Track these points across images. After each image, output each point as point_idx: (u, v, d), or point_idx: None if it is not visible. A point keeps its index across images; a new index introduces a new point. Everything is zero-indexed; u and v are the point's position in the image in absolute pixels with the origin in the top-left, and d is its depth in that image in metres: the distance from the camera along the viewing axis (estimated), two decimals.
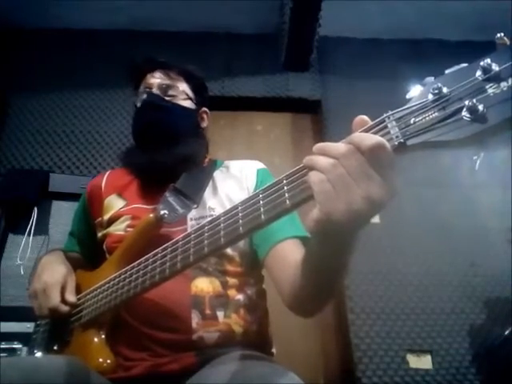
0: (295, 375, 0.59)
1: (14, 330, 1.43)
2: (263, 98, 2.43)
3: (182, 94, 0.99)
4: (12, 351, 1.42)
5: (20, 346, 1.44)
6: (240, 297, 0.81)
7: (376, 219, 2.12)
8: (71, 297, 0.77)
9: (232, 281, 0.81)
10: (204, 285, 0.78)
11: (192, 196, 0.85)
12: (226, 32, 2.56)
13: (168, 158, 0.89)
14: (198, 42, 2.45)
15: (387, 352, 1.82)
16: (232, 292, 0.80)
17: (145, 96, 0.96)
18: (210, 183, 0.92)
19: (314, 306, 0.69)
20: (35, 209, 1.67)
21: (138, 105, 0.97)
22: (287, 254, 0.75)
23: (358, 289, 1.93)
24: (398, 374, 1.77)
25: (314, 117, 2.50)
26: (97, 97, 2.36)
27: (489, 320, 1.90)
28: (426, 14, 2.47)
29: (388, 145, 0.42)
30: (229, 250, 0.82)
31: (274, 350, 0.86)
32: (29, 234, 1.62)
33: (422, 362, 1.82)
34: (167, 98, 0.96)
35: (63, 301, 0.76)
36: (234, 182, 0.92)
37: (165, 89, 0.97)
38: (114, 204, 0.92)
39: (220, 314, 0.76)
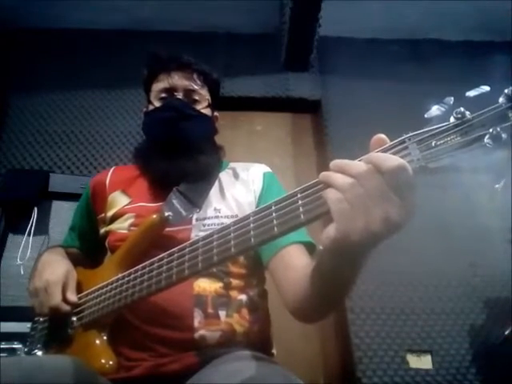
0: (295, 376, 0.59)
1: (14, 329, 1.43)
2: (263, 98, 2.43)
3: (205, 100, 0.97)
4: (12, 351, 1.42)
5: (20, 346, 1.43)
6: (242, 297, 0.81)
7: None
8: (72, 296, 0.77)
9: (235, 281, 0.81)
10: (206, 285, 0.78)
11: (196, 199, 0.85)
12: (226, 32, 2.56)
13: (188, 166, 0.88)
14: (197, 42, 2.45)
15: (387, 352, 1.82)
16: (234, 292, 0.80)
17: (171, 101, 0.92)
18: (217, 184, 0.92)
19: (317, 315, 0.70)
20: (35, 209, 1.66)
21: (158, 105, 0.94)
22: (292, 259, 0.76)
23: (358, 289, 1.93)
24: (398, 374, 1.77)
25: (314, 117, 2.50)
26: (97, 97, 2.36)
27: (489, 320, 1.90)
28: (426, 14, 2.47)
29: (409, 167, 0.42)
30: None
31: (274, 351, 0.86)
32: (29, 234, 1.62)
33: (422, 362, 1.82)
34: (192, 105, 0.94)
35: (64, 300, 0.76)
36: (240, 185, 0.92)
37: (189, 94, 0.94)
38: (118, 201, 0.91)
39: (222, 314, 0.76)
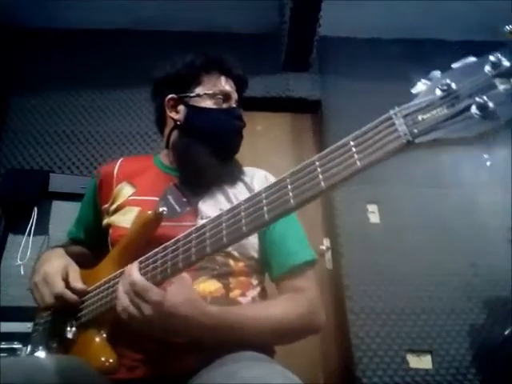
0: (295, 376, 0.59)
1: (14, 329, 1.43)
2: (263, 98, 2.43)
3: None
4: (12, 351, 1.42)
5: (20, 345, 1.44)
6: (242, 298, 0.80)
7: (376, 219, 2.12)
8: (79, 284, 0.75)
9: (235, 282, 0.81)
10: (206, 286, 0.77)
11: (194, 196, 0.85)
12: (226, 32, 2.56)
13: (225, 171, 0.90)
14: (198, 42, 2.45)
15: (387, 352, 1.82)
16: (234, 293, 0.80)
17: (236, 110, 0.94)
18: (219, 185, 0.92)
19: None
20: (35, 209, 1.66)
21: (216, 106, 0.92)
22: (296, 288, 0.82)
23: (358, 289, 1.93)
24: (398, 374, 1.78)
25: (314, 117, 2.50)
26: (97, 97, 2.36)
27: (489, 320, 1.90)
28: (427, 14, 2.47)
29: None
30: (234, 252, 0.82)
31: (275, 349, 0.86)
32: (29, 234, 1.62)
33: (422, 362, 1.82)
34: None
35: (69, 288, 0.74)
36: (243, 186, 0.92)
37: (238, 105, 0.97)
38: (123, 191, 0.90)
39: None
